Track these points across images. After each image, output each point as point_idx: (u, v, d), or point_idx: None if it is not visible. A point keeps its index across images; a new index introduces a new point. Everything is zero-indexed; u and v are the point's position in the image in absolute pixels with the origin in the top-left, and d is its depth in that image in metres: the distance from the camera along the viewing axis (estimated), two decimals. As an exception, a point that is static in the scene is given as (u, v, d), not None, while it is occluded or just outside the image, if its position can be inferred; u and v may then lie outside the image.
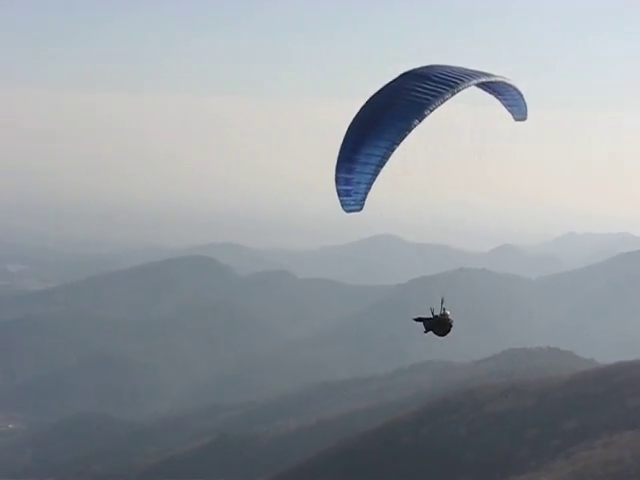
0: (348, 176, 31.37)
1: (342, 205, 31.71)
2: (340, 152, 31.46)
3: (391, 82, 32.50)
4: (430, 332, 37.09)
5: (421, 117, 31.08)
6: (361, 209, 31.78)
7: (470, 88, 32.43)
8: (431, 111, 31.28)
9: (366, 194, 31.65)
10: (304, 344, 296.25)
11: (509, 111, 36.78)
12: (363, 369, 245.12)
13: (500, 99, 35.50)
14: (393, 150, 30.98)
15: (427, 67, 32.92)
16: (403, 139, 31.12)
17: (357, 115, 31.90)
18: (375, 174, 31.28)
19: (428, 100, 31.33)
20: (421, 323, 36.94)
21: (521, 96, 36.06)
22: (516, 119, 37.13)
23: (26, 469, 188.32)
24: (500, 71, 34.57)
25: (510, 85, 34.77)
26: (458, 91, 32.03)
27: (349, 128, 31.85)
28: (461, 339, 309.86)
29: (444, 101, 31.54)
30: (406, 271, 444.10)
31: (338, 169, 31.50)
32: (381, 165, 31.22)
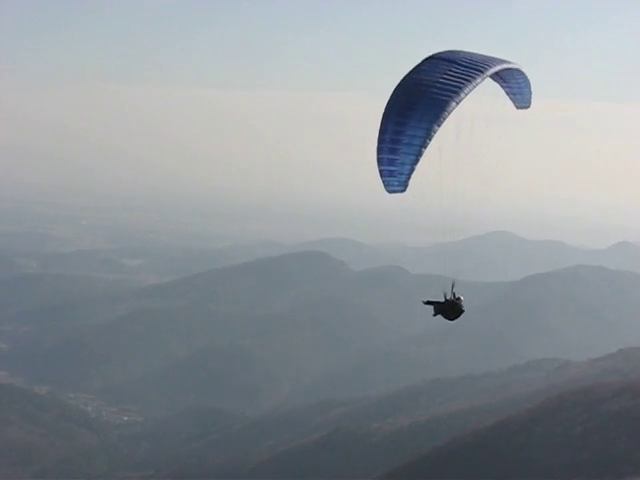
0: (392, 157, 31.07)
1: (385, 186, 31.47)
2: (381, 133, 31.20)
3: (420, 65, 32.29)
4: (440, 315, 36.73)
5: (458, 99, 31.09)
6: (404, 190, 31.46)
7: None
8: (466, 94, 31.26)
9: (410, 175, 31.27)
10: (416, 340, 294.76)
11: (512, 99, 36.11)
12: (475, 366, 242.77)
13: (504, 86, 34.89)
14: (435, 132, 30.82)
15: (451, 52, 32.70)
16: (444, 121, 30.93)
17: (393, 98, 31.59)
18: (419, 155, 30.98)
19: (462, 83, 31.24)
20: (432, 307, 36.65)
21: (527, 84, 35.56)
22: (518, 107, 36.47)
23: (142, 461, 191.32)
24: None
25: (518, 71, 34.30)
26: (488, 75, 32.02)
27: (387, 110, 31.49)
28: (576, 337, 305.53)
29: (476, 85, 31.56)
30: (520, 268, 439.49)
31: (380, 150, 31.18)
32: (425, 146, 30.94)
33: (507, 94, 35.92)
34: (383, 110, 31.58)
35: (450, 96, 31.11)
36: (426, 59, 32.54)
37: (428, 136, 30.93)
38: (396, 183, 31.45)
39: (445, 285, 35.69)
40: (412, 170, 31.19)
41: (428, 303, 36.56)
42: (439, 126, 31.13)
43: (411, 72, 32.09)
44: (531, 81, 35.54)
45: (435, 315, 36.54)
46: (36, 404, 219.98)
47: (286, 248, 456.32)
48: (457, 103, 31.15)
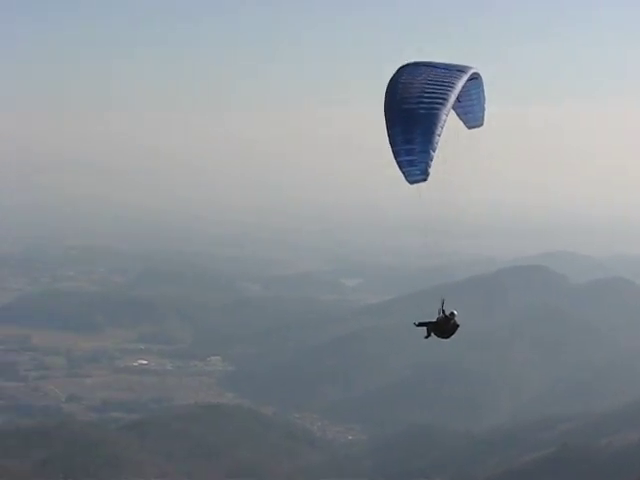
0: (409, 146, 30.30)
1: (407, 176, 30.74)
2: (392, 126, 30.62)
3: (404, 69, 32.12)
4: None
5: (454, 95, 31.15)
6: (426, 178, 30.53)
7: None
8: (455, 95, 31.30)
9: (430, 163, 30.41)
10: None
11: (462, 120, 34.38)
12: None
13: (457, 107, 33.02)
14: (447, 115, 30.56)
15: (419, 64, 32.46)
16: (450, 109, 30.83)
17: (393, 94, 31.29)
18: (437, 142, 30.29)
19: (450, 86, 31.28)
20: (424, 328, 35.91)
21: (479, 98, 33.97)
22: (470, 127, 34.61)
23: None
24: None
25: (473, 83, 33.02)
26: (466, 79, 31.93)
27: (391, 103, 31.10)
28: None
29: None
30: None
31: (395, 142, 30.56)
32: (440, 133, 30.30)
33: (458, 115, 34.16)
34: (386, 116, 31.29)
35: (449, 91, 31.18)
36: (406, 65, 32.32)
37: (444, 121, 30.56)
38: (418, 172, 30.64)
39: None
40: (432, 157, 30.45)
41: (420, 325, 36.36)
42: (447, 114, 30.83)
43: (397, 78, 31.89)
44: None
45: (427, 337, 36.19)
46: (262, 424, 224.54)
47: (504, 263, 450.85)
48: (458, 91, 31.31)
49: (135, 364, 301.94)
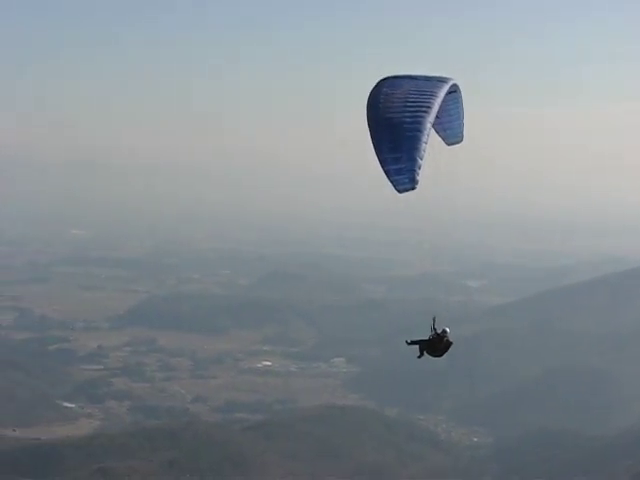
0: (396, 155, 29.89)
1: (395, 185, 30.08)
2: (377, 135, 30.31)
3: (384, 82, 32.12)
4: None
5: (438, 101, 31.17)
6: (415, 187, 29.97)
7: None
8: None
9: (418, 171, 29.98)
10: None
11: (442, 137, 33.98)
12: None
13: (435, 124, 32.20)
14: (431, 123, 30.35)
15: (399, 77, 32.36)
16: (435, 114, 30.63)
17: (375, 105, 31.19)
18: (423, 149, 29.96)
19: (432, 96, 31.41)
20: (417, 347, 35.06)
21: (458, 112, 33.62)
22: (449, 144, 34.16)
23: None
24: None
25: (451, 97, 32.70)
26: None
27: (375, 113, 30.89)
28: None
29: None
30: None
31: (381, 151, 30.14)
32: (426, 141, 30.02)
33: (437, 132, 33.67)
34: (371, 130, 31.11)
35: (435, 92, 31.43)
36: (384, 79, 32.24)
37: (428, 127, 30.35)
38: (406, 180, 30.09)
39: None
40: (420, 165, 30.07)
41: (412, 343, 35.50)
42: (431, 122, 30.66)
43: (379, 89, 31.97)
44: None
45: (420, 356, 35.42)
46: (387, 425, 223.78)
47: (634, 262, 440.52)
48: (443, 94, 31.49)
49: (259, 365, 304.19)
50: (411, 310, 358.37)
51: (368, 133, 30.91)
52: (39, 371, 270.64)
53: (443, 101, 31.80)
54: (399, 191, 30.34)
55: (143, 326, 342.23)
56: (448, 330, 35.68)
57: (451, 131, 34.37)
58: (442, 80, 31.84)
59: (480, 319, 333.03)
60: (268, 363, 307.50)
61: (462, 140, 34.64)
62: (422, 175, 29.75)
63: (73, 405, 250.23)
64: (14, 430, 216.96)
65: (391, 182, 30.37)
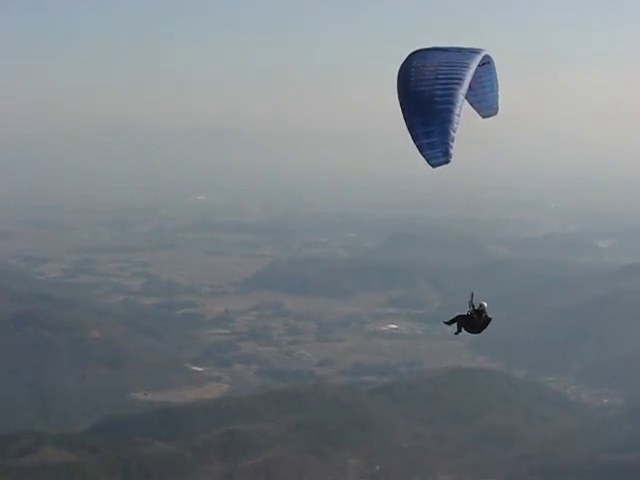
0: (428, 129, 29.20)
1: (428, 160, 29.41)
2: (408, 109, 29.67)
3: (414, 55, 31.49)
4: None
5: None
6: (449, 161, 29.14)
7: None
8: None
9: (451, 144, 29.13)
10: None
11: (476, 109, 33.25)
12: None
13: (469, 96, 31.24)
14: (464, 95, 29.68)
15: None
16: (467, 88, 29.95)
17: (406, 79, 30.54)
18: (456, 122, 29.16)
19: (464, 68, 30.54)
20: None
21: (492, 83, 33.01)
22: (484, 116, 33.51)
23: (624, 445, 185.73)
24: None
25: (485, 68, 31.95)
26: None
27: (405, 87, 30.31)
28: None
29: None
30: None
31: (412, 125, 29.40)
32: (459, 113, 29.26)
33: (471, 104, 32.93)
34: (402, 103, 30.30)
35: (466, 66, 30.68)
36: (415, 51, 31.66)
37: (460, 98, 29.51)
38: (440, 154, 29.18)
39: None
40: (453, 138, 29.14)
41: (450, 322, 33.68)
42: (464, 94, 29.77)
43: (410, 61, 31.27)
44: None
45: (458, 332, 33.73)
46: (514, 387, 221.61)
47: None
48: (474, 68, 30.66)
49: (385, 328, 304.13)
50: (537, 271, 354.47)
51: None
52: (168, 336, 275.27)
53: (476, 73, 31.07)
54: (432, 165, 29.67)
55: (269, 290, 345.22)
56: (485, 305, 34.64)
57: (485, 103, 33.72)
58: (474, 51, 31.17)
59: (610, 279, 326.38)
60: (394, 326, 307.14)
61: (497, 112, 34.03)
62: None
63: (202, 369, 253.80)
64: (145, 394, 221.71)
65: (424, 157, 29.70)
